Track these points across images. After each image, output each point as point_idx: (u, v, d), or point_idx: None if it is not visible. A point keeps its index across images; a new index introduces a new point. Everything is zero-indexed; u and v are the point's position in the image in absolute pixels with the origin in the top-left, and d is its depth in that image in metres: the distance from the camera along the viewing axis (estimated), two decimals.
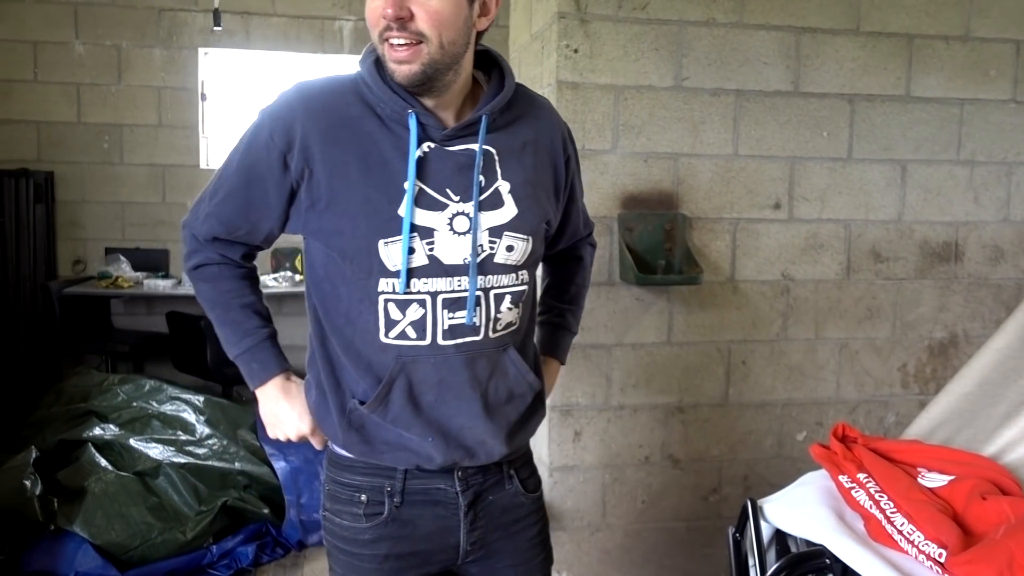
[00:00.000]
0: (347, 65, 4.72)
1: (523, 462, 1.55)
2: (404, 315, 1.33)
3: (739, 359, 2.86)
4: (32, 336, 4.38)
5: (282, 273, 4.52)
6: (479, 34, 1.34)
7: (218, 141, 4.72)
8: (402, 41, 1.24)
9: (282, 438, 1.49)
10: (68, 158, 4.48)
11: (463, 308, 1.34)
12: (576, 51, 2.65)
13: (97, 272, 4.40)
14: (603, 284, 2.74)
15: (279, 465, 3.58)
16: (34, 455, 3.25)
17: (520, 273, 1.40)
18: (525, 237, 1.38)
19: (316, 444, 1.49)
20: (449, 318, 1.34)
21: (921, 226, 2.95)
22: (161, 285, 4.27)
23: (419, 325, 1.33)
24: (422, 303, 1.33)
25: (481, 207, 1.33)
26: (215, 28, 4.42)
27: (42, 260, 4.42)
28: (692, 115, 2.74)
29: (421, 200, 1.30)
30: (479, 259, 1.34)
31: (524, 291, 1.42)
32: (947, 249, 2.98)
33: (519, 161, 1.37)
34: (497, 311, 1.38)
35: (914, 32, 2.85)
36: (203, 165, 4.64)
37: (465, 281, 1.33)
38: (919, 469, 1.59)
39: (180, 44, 4.51)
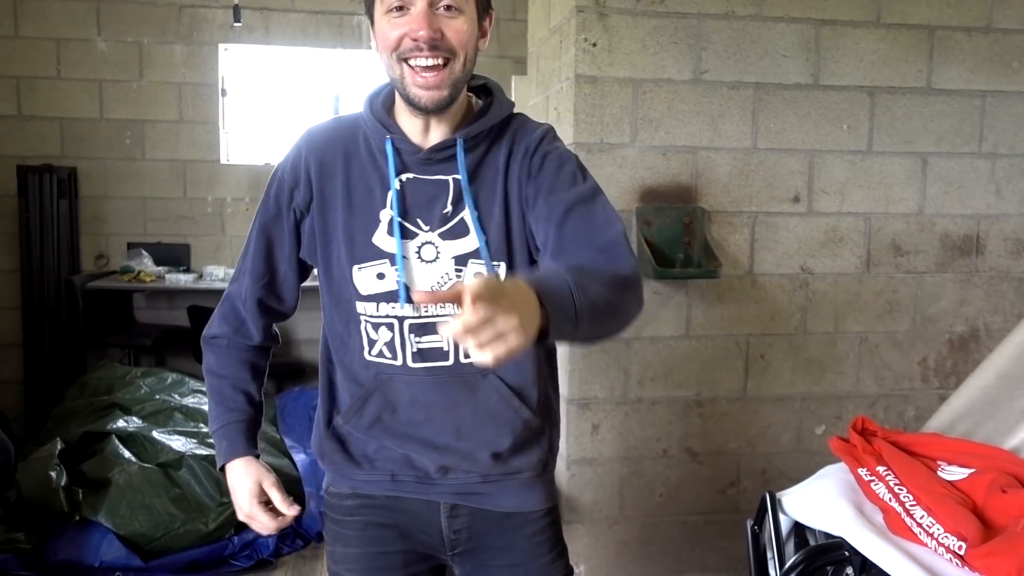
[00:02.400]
0: (365, 60, 4.74)
1: (526, 478, 1.47)
2: (378, 336, 1.40)
3: (758, 353, 2.85)
4: (56, 330, 4.44)
5: None
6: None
7: (238, 136, 4.75)
8: (431, 62, 1.27)
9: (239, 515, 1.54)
10: (91, 154, 4.53)
11: (431, 333, 1.37)
12: (595, 45, 2.65)
13: (120, 267, 4.45)
14: None
15: (299, 457, 3.61)
16: (59, 447, 3.30)
17: None
18: (496, 263, 1.37)
19: (258, 528, 1.53)
20: (416, 342, 1.38)
21: (942, 219, 2.92)
22: (183, 279, 4.31)
23: (391, 347, 1.40)
24: (390, 327, 1.38)
25: (445, 236, 1.36)
26: (235, 24, 4.45)
27: (66, 255, 4.48)
28: (711, 108, 2.74)
29: (393, 228, 1.36)
30: (444, 287, 1.36)
31: None
32: (968, 242, 2.95)
33: (492, 187, 1.37)
34: None
35: (935, 24, 2.83)
36: (223, 160, 4.68)
37: (432, 308, 1.35)
38: (939, 462, 1.59)
39: (200, 40, 4.55)
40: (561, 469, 2.83)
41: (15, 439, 4.16)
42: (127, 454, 3.28)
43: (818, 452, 2.92)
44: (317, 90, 4.78)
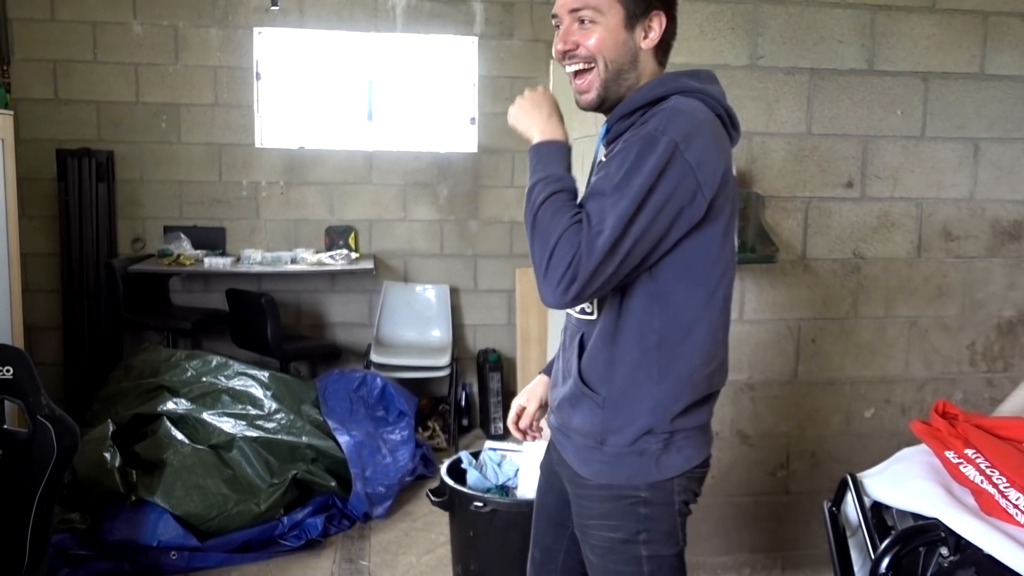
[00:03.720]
0: (399, 43, 4.75)
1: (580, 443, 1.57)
2: None
3: (809, 337, 2.88)
4: (95, 312, 4.47)
5: (337, 251, 4.58)
6: (659, 51, 1.54)
7: (272, 120, 4.76)
8: (575, 68, 1.52)
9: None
10: (127, 137, 4.54)
11: None
12: None
13: (157, 250, 4.47)
14: None
15: (343, 439, 3.65)
16: (111, 428, 3.34)
17: None
18: None
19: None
20: None
21: (992, 204, 2.94)
22: (220, 263, 4.34)
23: None
24: None
25: None
26: (272, 8, 4.45)
27: (104, 238, 4.50)
28: (766, 94, 2.75)
29: None
30: None
31: None
32: (1018, 228, 2.97)
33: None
34: None
35: (989, 9, 2.83)
36: (258, 144, 4.69)
37: None
38: None
39: (236, 24, 4.54)
40: None
41: None
42: (179, 436, 3.32)
43: (867, 434, 2.96)
44: (351, 74, 4.79)
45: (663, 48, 1.54)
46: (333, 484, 3.52)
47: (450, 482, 2.65)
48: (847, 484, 1.77)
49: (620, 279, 1.39)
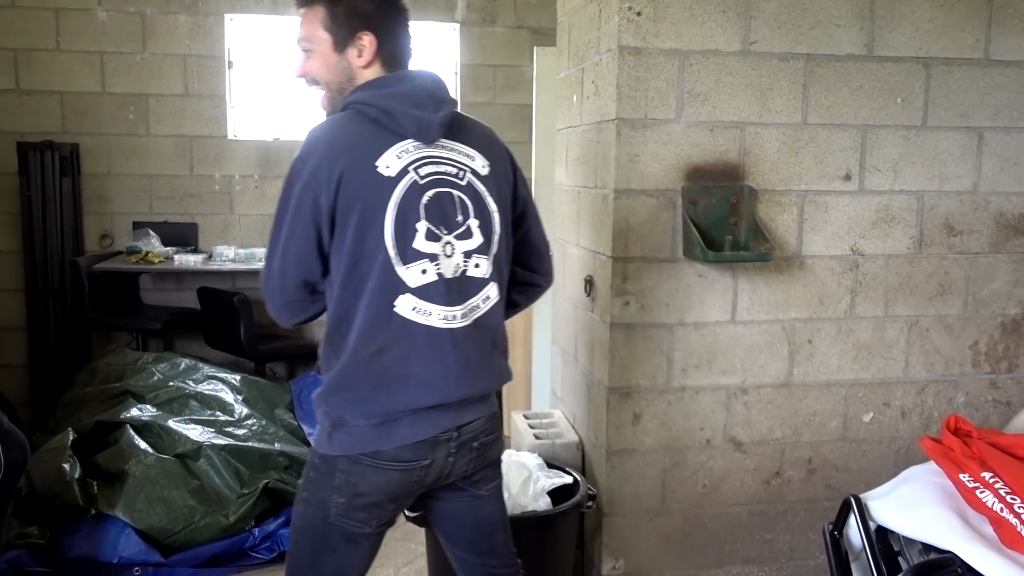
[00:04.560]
0: None
1: None
2: None
3: (805, 338, 2.73)
4: (61, 313, 4.29)
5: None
6: (381, 63, 1.74)
7: (245, 111, 4.58)
8: (315, 89, 1.77)
9: None
10: (93, 129, 4.35)
11: None
12: (639, 14, 2.50)
13: (126, 247, 4.29)
14: (665, 261, 2.61)
15: None
16: (71, 437, 3.17)
17: None
18: None
19: None
20: None
21: (997, 197, 2.79)
22: (192, 260, 4.16)
23: None
24: None
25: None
26: None
27: (69, 234, 4.31)
28: (760, 81, 2.59)
29: None
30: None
31: None
32: (1023, 221, 2.83)
33: None
34: None
35: None
36: (231, 136, 4.50)
37: None
38: None
39: (206, 10, 4.35)
40: (600, 461, 2.72)
41: (21, 426, 4.04)
42: (143, 445, 3.15)
43: (865, 440, 2.82)
44: None
45: (384, 59, 1.74)
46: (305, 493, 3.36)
47: None
48: (850, 507, 1.62)
49: (295, 291, 1.64)
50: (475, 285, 1.70)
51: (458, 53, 4.60)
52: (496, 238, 1.74)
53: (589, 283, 2.81)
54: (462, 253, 1.67)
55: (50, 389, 4.26)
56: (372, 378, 1.62)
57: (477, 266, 1.70)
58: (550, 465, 2.67)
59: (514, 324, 4.64)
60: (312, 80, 1.75)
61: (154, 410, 3.37)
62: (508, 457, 2.61)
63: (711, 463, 2.73)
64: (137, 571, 2.89)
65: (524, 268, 1.94)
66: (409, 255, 1.61)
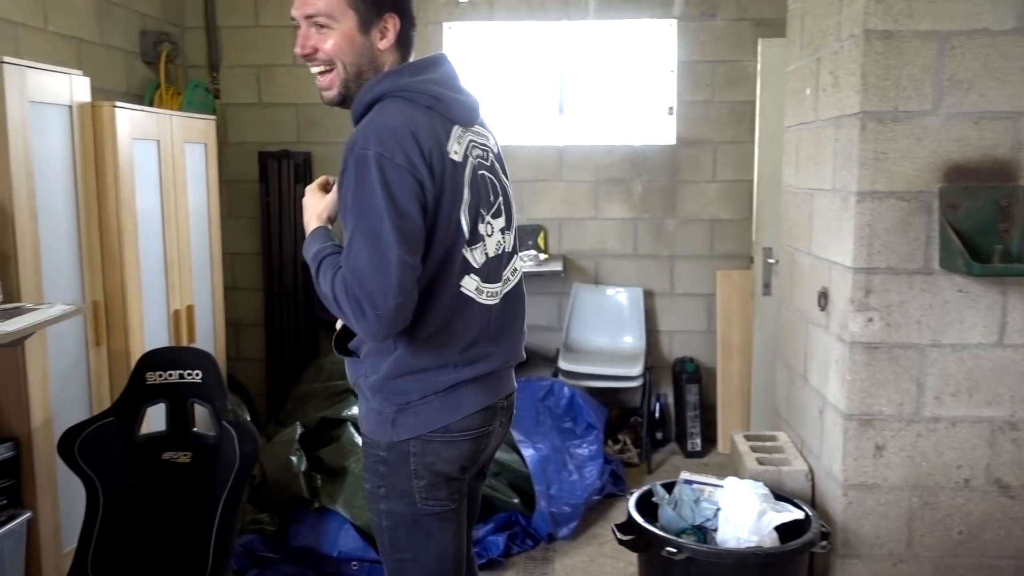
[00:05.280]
0: (592, 31, 4.48)
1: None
2: None
3: None
4: (293, 312, 4.58)
5: (526, 251, 4.39)
6: (398, 47, 1.64)
7: None
8: (316, 70, 1.65)
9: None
10: (324, 139, 4.60)
11: None
12: None
13: None
14: (917, 273, 2.29)
15: (528, 453, 3.45)
16: (299, 431, 3.34)
17: None
18: None
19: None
20: None
21: None
22: None
23: None
24: None
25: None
26: (460, 0, 4.34)
27: (301, 237, 4.60)
28: None
29: None
30: None
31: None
32: None
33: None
34: None
35: None
36: None
37: None
38: None
39: (426, 19, 4.47)
40: (835, 495, 2.44)
41: (257, 416, 4.35)
42: (361, 442, 3.25)
43: None
44: (541, 66, 4.58)
45: (401, 43, 1.64)
46: (516, 501, 3.33)
47: (639, 519, 2.36)
48: None
49: (411, 286, 1.49)
50: (506, 260, 1.74)
51: (675, 50, 4.41)
52: (514, 214, 1.80)
53: (823, 296, 2.53)
54: (498, 231, 1.71)
55: (282, 382, 4.56)
56: (437, 354, 1.64)
57: (506, 242, 1.74)
58: (776, 496, 2.43)
59: (730, 333, 4.39)
60: (322, 59, 1.61)
61: None
62: (730, 484, 2.41)
63: (969, 507, 2.37)
64: (355, 566, 2.98)
65: None
66: (473, 237, 1.64)
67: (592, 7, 4.44)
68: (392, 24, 1.61)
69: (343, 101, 1.65)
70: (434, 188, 1.52)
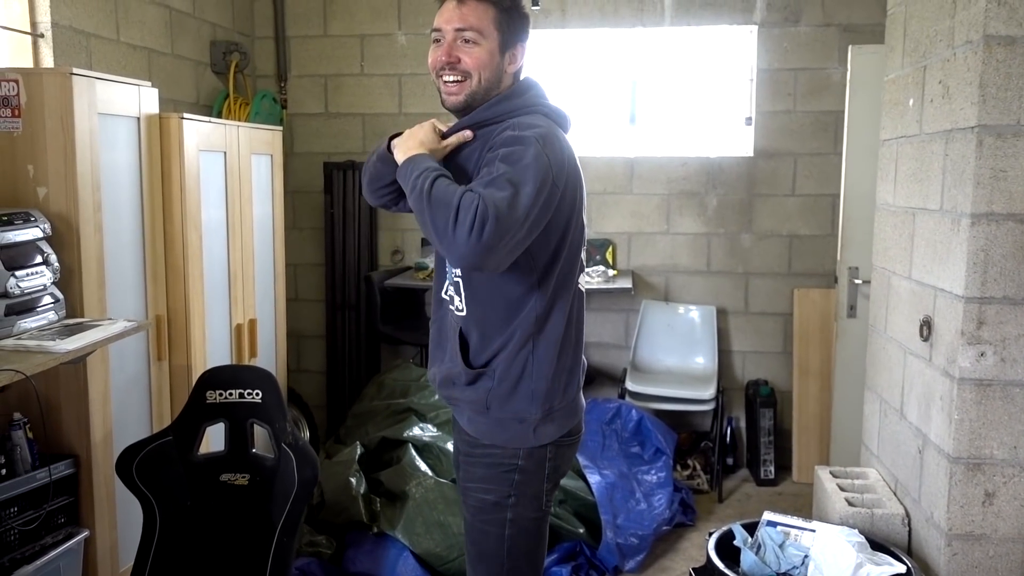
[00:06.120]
0: (667, 38, 4.31)
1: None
2: None
3: None
4: (355, 324, 4.51)
5: (593, 267, 4.24)
6: (516, 74, 1.79)
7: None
8: (451, 78, 1.74)
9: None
10: None
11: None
12: None
13: (414, 263, 4.41)
14: None
15: (594, 480, 3.30)
16: (359, 451, 3.24)
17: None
18: None
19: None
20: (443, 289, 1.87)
21: None
22: None
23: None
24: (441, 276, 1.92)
25: None
26: (533, 8, 4.22)
27: (365, 249, 4.53)
28: None
29: None
30: None
31: (460, 281, 1.77)
32: None
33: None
34: (447, 291, 1.83)
35: None
36: None
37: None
38: None
39: None
40: (937, 545, 2.22)
41: (316, 430, 4.28)
42: (423, 466, 3.14)
43: None
44: (613, 75, 4.42)
45: (520, 70, 1.80)
46: (582, 531, 3.17)
47: (719, 564, 2.18)
48: None
49: (514, 250, 1.58)
50: None
51: (755, 58, 4.21)
52: None
53: (927, 325, 2.32)
54: None
55: (342, 394, 4.49)
56: (570, 357, 1.77)
57: None
58: (872, 543, 2.23)
59: (808, 356, 4.16)
60: (461, 70, 1.71)
61: (435, 430, 3.36)
62: (821, 530, 2.21)
63: None
64: None
65: None
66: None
67: (668, 13, 4.28)
68: (521, 52, 1.78)
69: (463, 109, 1.75)
70: (567, 213, 1.69)
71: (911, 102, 2.51)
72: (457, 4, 1.72)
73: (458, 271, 1.76)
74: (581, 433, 1.86)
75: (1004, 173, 2.04)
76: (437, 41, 1.75)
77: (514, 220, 1.53)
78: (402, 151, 1.72)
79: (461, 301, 1.77)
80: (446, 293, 1.83)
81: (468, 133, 1.75)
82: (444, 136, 1.75)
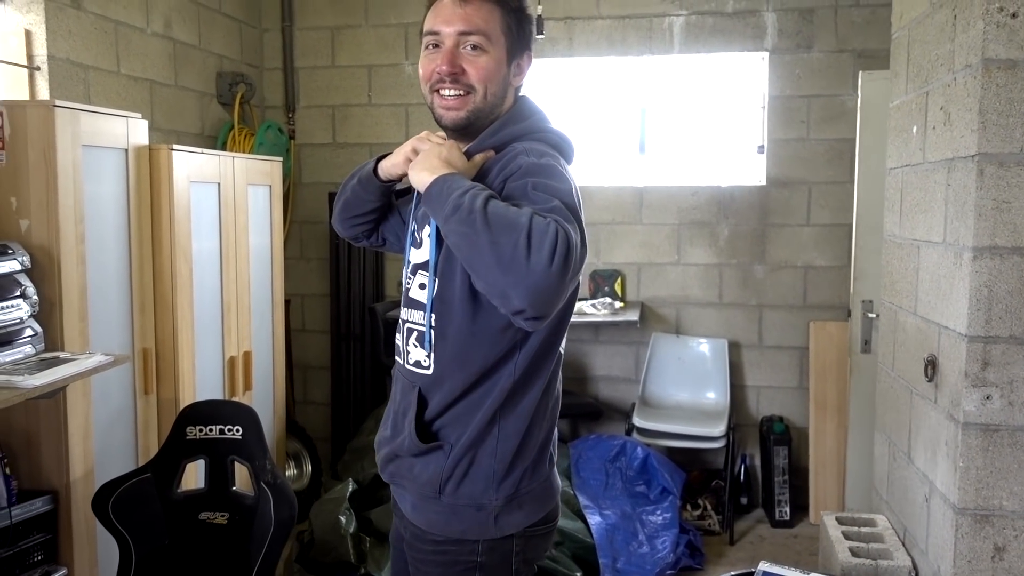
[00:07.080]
0: (677, 65, 4.24)
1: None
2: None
3: None
4: (359, 356, 4.45)
5: (601, 298, 4.14)
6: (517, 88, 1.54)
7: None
8: (452, 92, 1.45)
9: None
10: None
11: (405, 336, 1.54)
12: (1014, 16, 1.89)
13: None
14: None
15: (594, 521, 3.18)
16: (351, 488, 3.17)
17: (428, 314, 1.45)
18: (434, 277, 1.44)
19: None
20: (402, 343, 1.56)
21: None
22: None
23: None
24: (399, 329, 1.58)
25: (413, 244, 1.54)
26: (538, 36, 4.17)
27: (370, 280, 4.48)
28: None
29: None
30: (404, 293, 1.54)
31: (425, 333, 1.46)
32: None
33: None
34: (406, 344, 1.52)
35: None
36: None
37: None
38: None
39: None
40: None
41: (319, 463, 4.21)
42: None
43: None
44: (622, 103, 4.35)
45: (521, 87, 1.55)
46: (579, 575, 3.05)
47: None
48: None
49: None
50: None
51: (766, 84, 4.11)
52: None
53: (931, 365, 2.19)
54: None
55: (346, 427, 4.42)
56: (544, 431, 1.50)
57: None
58: None
59: (824, 391, 4.00)
60: (465, 83, 1.43)
61: None
62: None
63: None
64: None
65: None
66: None
67: (678, 41, 4.20)
68: (527, 62, 1.53)
69: (465, 128, 1.46)
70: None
71: (915, 129, 2.40)
72: (459, 2, 1.44)
73: (432, 320, 1.44)
74: (557, 520, 1.56)
75: (1007, 204, 1.92)
76: (433, 47, 1.46)
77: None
78: (425, 171, 1.38)
79: (429, 358, 1.46)
80: (412, 345, 1.50)
81: (491, 152, 1.47)
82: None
